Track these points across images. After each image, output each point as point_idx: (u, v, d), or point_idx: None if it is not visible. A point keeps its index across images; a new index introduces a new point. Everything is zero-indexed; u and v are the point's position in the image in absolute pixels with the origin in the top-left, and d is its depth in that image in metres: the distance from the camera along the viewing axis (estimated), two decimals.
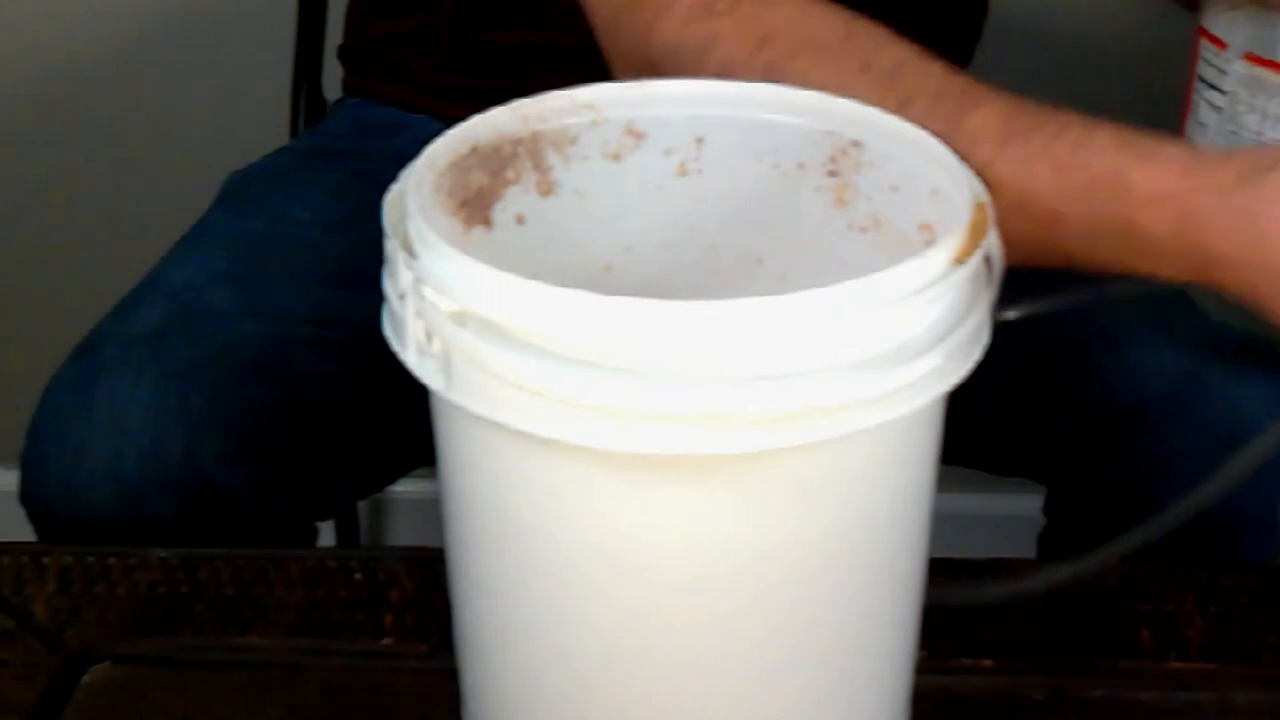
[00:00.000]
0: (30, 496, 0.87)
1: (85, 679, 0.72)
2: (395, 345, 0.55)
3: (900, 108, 0.63)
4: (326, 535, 1.47)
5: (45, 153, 1.52)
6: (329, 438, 0.93)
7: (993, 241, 0.56)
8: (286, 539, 0.94)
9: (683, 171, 0.64)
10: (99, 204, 1.53)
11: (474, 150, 0.61)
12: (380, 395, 0.90)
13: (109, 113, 1.50)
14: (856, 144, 0.62)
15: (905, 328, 0.52)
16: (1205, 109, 0.83)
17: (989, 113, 0.65)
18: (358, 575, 0.77)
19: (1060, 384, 0.91)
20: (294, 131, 1.24)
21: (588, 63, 0.75)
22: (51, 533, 0.88)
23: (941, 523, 0.60)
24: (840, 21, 0.70)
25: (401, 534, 1.68)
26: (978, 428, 0.93)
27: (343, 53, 1.13)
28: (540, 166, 0.63)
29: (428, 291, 0.53)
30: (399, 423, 0.93)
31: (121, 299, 0.92)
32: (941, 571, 0.61)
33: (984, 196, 0.57)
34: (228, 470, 0.86)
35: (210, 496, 0.86)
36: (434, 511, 0.60)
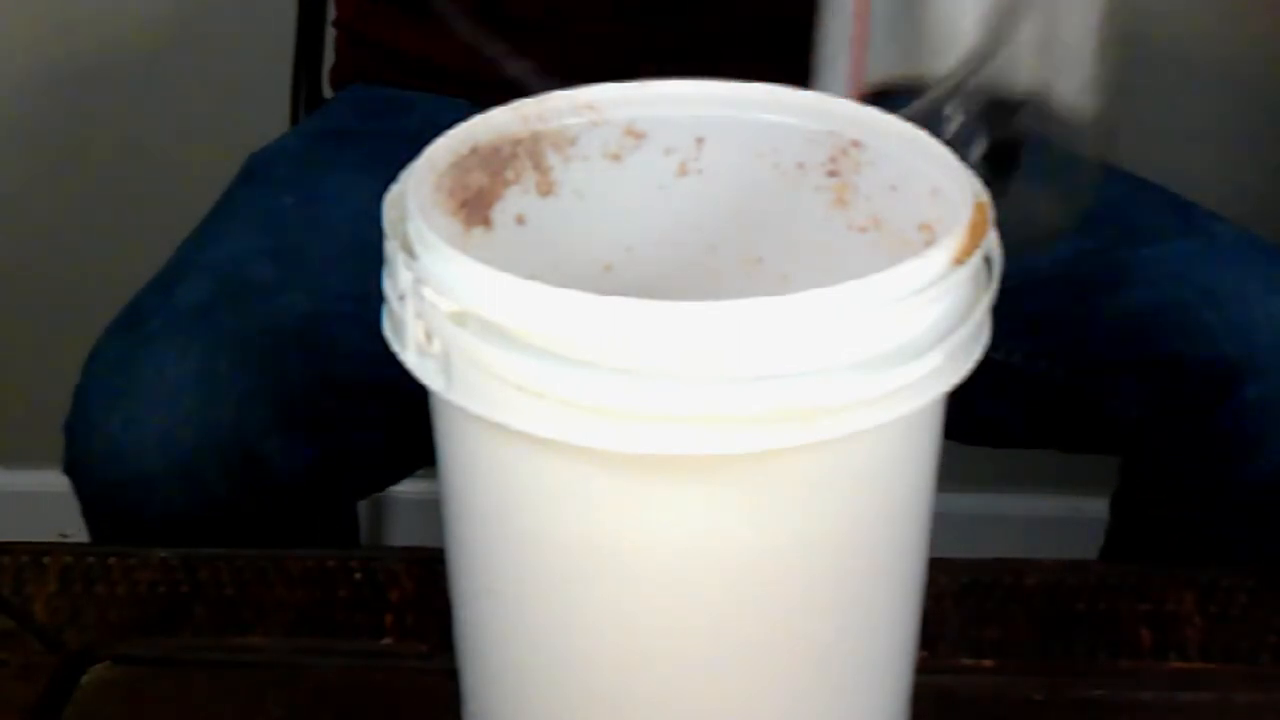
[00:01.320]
0: (77, 466, 0.88)
1: (85, 679, 0.72)
2: (395, 346, 0.55)
3: None
4: None
5: (37, 145, 1.52)
6: (372, 414, 0.93)
7: (992, 241, 0.56)
8: (331, 516, 0.94)
9: (683, 171, 0.64)
10: (92, 197, 1.53)
11: (474, 150, 0.61)
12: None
13: (108, 104, 1.50)
14: (856, 144, 0.62)
15: (905, 328, 0.52)
16: None
17: None
18: (358, 575, 0.77)
19: (1165, 343, 0.91)
20: (294, 124, 1.24)
21: None
22: (98, 503, 0.88)
23: (941, 523, 0.60)
24: None
25: (401, 534, 1.68)
26: (1066, 397, 0.93)
27: (338, 41, 1.14)
28: (540, 167, 0.63)
29: (427, 292, 0.53)
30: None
31: (159, 274, 0.93)
32: (941, 571, 0.61)
33: (984, 196, 0.57)
34: (275, 441, 0.87)
35: (258, 468, 0.87)
36: (434, 511, 0.60)
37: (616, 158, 0.63)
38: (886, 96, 0.66)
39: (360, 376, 0.91)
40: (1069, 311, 0.71)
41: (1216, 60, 1.43)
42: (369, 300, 0.92)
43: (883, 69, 0.71)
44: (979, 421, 0.78)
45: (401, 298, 0.54)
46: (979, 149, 0.66)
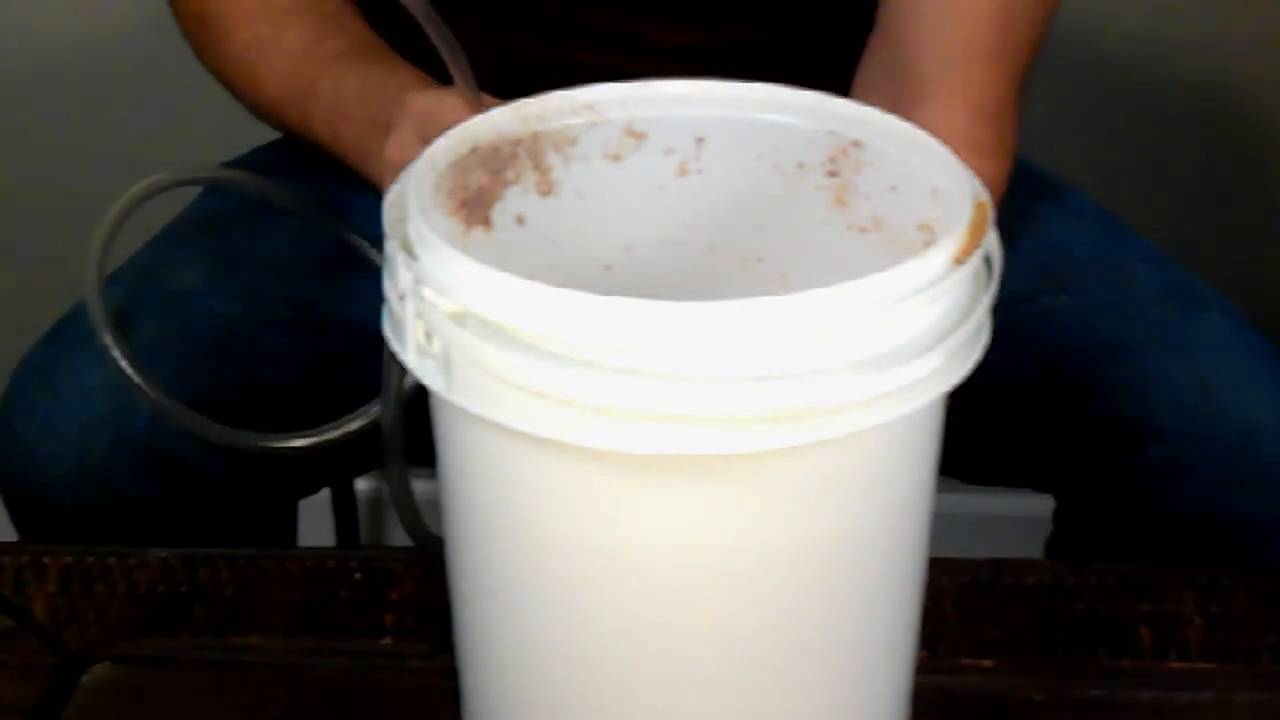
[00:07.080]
0: (1, 478, 0.88)
1: (85, 679, 0.72)
2: (395, 346, 0.55)
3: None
4: (326, 535, 1.47)
5: (31, 148, 1.52)
6: (297, 419, 0.93)
7: (992, 241, 0.56)
8: (262, 517, 0.94)
9: (683, 171, 0.64)
10: (90, 200, 1.53)
11: (474, 150, 0.61)
12: (349, 381, 0.90)
13: (106, 107, 1.50)
14: (856, 144, 0.62)
15: (905, 328, 0.52)
16: None
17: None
18: (358, 575, 0.77)
19: (1068, 394, 0.91)
20: None
21: None
22: (21, 508, 0.88)
23: (941, 523, 0.60)
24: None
25: (402, 534, 1.68)
26: (985, 440, 0.93)
27: None
28: (540, 167, 0.63)
29: (427, 292, 0.53)
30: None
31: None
32: (942, 571, 0.61)
33: (984, 196, 0.57)
34: (192, 443, 0.86)
35: (177, 471, 0.86)
36: (434, 511, 0.60)
37: (616, 158, 0.63)
38: None
39: (287, 380, 0.91)
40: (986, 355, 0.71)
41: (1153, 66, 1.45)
42: (305, 308, 0.93)
43: None
44: None
45: (401, 298, 0.54)
46: None
